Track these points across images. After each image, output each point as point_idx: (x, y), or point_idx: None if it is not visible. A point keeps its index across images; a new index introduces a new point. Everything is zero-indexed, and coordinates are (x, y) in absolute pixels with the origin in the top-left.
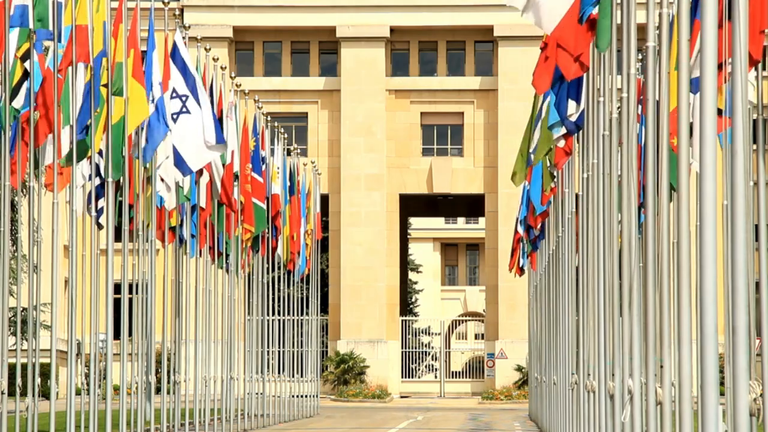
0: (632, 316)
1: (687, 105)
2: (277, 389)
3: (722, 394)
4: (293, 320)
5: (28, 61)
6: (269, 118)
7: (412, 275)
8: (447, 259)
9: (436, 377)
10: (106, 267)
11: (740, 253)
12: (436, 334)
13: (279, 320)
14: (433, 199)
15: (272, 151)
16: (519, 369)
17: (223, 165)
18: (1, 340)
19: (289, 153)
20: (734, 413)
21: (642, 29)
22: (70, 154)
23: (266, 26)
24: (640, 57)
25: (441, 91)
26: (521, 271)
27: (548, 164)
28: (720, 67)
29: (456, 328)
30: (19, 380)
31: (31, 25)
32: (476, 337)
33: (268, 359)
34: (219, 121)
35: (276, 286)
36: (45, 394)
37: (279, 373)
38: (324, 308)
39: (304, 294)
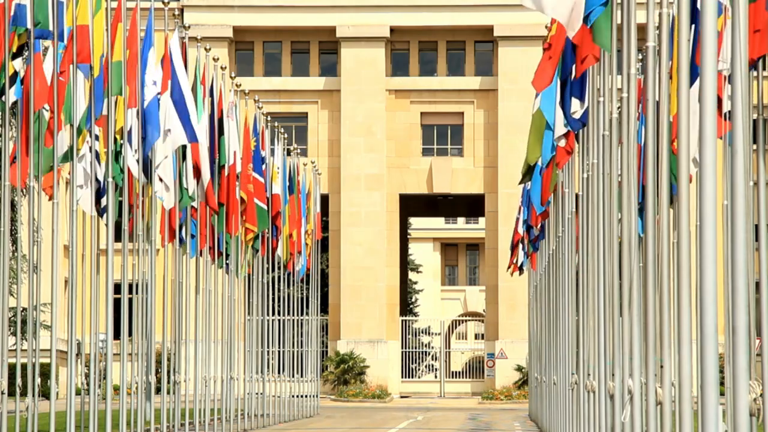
0: (632, 316)
1: (687, 105)
2: (277, 389)
3: (722, 394)
4: (293, 320)
5: (17, 60)
6: (269, 118)
7: (412, 275)
8: (447, 259)
9: (436, 377)
10: (106, 267)
11: (740, 253)
12: (436, 334)
13: (279, 320)
14: (433, 199)
15: (272, 151)
16: (519, 369)
17: (223, 166)
18: (1, 340)
19: (289, 153)
20: (734, 413)
21: (642, 29)
22: (66, 155)
23: (266, 26)
24: (640, 57)
25: (441, 91)
26: (520, 270)
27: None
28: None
29: (456, 328)
30: (19, 380)
31: (28, 25)
32: (476, 337)
33: (268, 359)
34: (220, 122)
35: (276, 286)
36: (45, 394)
37: (279, 373)
38: (324, 308)
39: (304, 294)
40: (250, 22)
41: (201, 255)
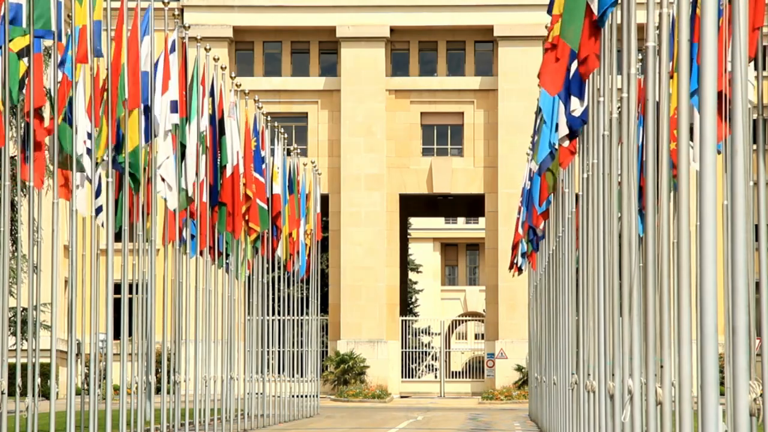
0: (632, 316)
1: (687, 105)
2: (277, 389)
3: (722, 394)
4: (293, 320)
5: (25, 58)
6: (269, 118)
7: (412, 275)
8: (447, 259)
9: (436, 377)
10: (106, 267)
11: (740, 253)
12: (436, 334)
13: (279, 320)
14: (433, 199)
15: (272, 151)
16: (519, 369)
17: (224, 166)
18: (1, 340)
19: (289, 153)
20: (734, 413)
21: (642, 29)
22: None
23: (266, 26)
24: (640, 57)
25: (441, 91)
26: (519, 270)
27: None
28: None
29: (456, 328)
30: (19, 380)
31: (24, 24)
32: (476, 337)
33: (268, 359)
34: (221, 122)
35: (276, 286)
36: (45, 394)
37: (279, 373)
38: (324, 308)
39: (304, 294)
40: (250, 22)
41: (201, 255)
